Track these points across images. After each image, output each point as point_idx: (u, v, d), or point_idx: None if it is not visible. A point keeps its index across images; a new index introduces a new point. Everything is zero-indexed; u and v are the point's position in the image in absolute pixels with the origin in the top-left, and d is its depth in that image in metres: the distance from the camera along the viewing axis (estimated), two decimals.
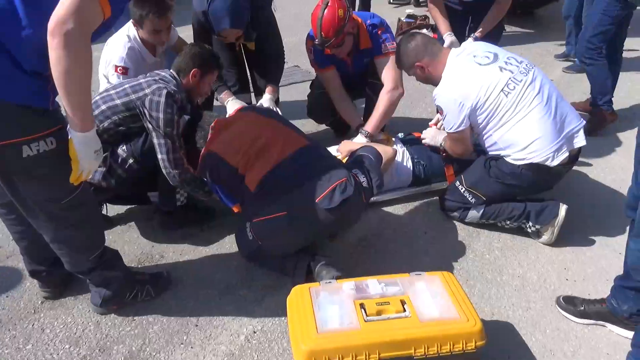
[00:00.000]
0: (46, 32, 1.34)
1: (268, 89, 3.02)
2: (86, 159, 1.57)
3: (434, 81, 2.50)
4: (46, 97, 1.52)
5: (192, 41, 3.01)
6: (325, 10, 2.64)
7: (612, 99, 3.66)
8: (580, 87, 4.29)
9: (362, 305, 1.62)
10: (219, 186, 2.25)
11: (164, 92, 2.18)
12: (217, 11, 2.66)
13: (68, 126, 1.55)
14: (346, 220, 2.22)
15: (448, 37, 3.04)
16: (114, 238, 2.51)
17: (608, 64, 3.70)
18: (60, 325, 2.01)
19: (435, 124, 2.93)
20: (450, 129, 2.42)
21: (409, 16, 5.72)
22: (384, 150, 2.54)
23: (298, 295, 1.69)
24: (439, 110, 2.46)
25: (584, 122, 2.38)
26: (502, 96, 2.28)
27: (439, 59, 2.46)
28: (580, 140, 2.34)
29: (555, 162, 2.27)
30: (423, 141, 2.80)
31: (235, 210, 2.29)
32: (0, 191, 1.69)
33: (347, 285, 1.69)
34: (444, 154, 2.74)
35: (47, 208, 1.69)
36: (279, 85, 3.17)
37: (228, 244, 2.48)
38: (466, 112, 2.33)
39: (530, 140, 2.27)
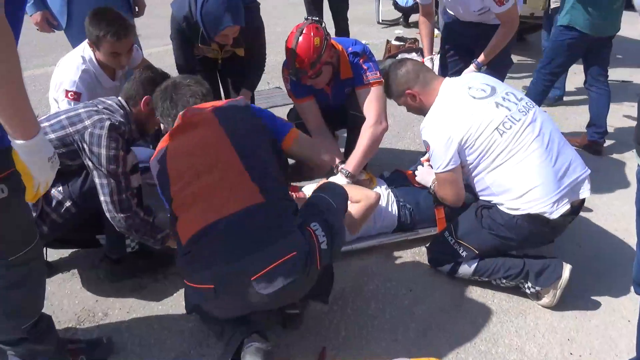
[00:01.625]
0: None
1: (242, 92, 2.84)
2: (39, 171, 1.26)
3: (425, 111, 2.26)
4: None
5: (174, 52, 2.80)
6: (300, 39, 2.36)
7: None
8: (577, 121, 4.07)
9: None
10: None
11: (107, 124, 1.88)
12: (214, 10, 2.40)
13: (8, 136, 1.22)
14: (284, 301, 1.80)
15: (428, 62, 2.84)
16: (52, 289, 2.17)
17: (594, 96, 3.59)
18: None
19: (428, 160, 2.68)
20: (438, 168, 2.15)
21: (397, 38, 5.50)
22: (365, 195, 2.24)
23: None
24: (425, 146, 2.20)
25: (589, 170, 2.12)
26: (496, 135, 2.03)
27: (432, 87, 2.22)
28: (585, 192, 2.08)
29: (555, 215, 2.00)
30: (417, 179, 2.53)
31: None
32: None
33: None
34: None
35: None
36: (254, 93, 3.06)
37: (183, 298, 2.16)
38: (455, 148, 2.07)
39: (527, 189, 2.01)
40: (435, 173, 2.21)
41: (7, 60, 1.09)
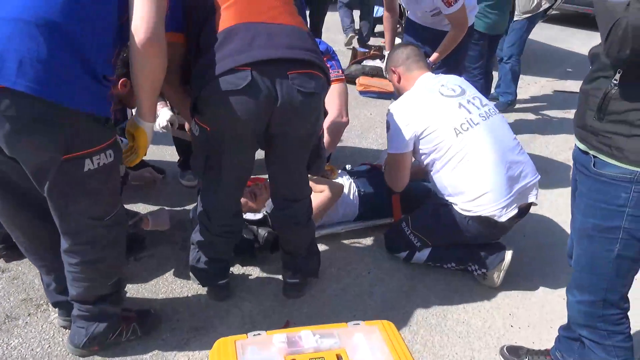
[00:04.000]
0: (115, 29, 1.43)
1: None
2: (149, 141, 1.66)
3: (401, 94, 2.45)
4: (109, 105, 1.47)
5: None
6: None
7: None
8: (530, 127, 4.37)
9: None
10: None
11: None
12: None
13: (132, 121, 1.61)
14: (301, 120, 1.76)
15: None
16: (23, 269, 2.22)
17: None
18: None
19: None
20: (390, 148, 2.33)
21: (363, 45, 5.73)
22: (328, 185, 2.41)
23: (222, 350, 1.49)
24: (386, 126, 2.35)
25: (539, 176, 2.33)
26: (452, 134, 2.18)
27: (412, 75, 2.41)
28: (533, 196, 2.28)
29: (504, 219, 2.18)
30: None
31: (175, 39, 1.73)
32: (28, 216, 1.60)
33: (278, 338, 1.51)
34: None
35: (90, 227, 1.57)
36: None
37: (154, 280, 2.25)
38: (411, 136, 2.23)
39: (480, 193, 2.17)
40: (388, 153, 2.37)
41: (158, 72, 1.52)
